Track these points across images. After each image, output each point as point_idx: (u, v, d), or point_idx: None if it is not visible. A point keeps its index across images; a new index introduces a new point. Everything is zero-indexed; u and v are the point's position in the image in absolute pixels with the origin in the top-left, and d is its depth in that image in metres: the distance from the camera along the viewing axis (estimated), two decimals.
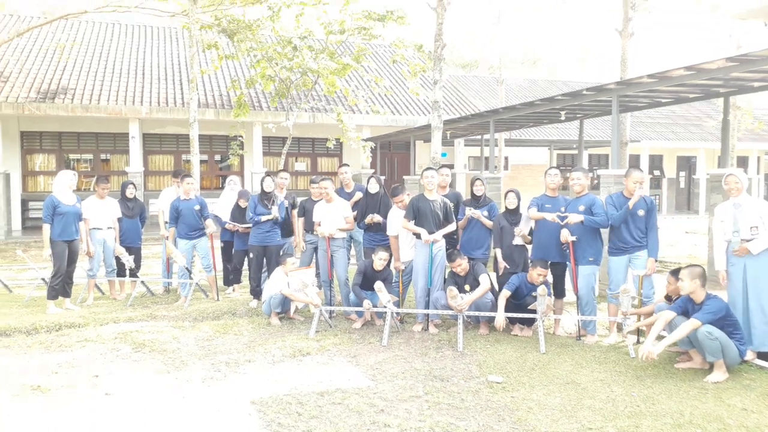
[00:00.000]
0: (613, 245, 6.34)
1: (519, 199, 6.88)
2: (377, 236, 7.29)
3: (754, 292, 5.41)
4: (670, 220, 21.83)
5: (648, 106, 10.89)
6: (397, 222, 6.92)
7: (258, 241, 7.77)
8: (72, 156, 19.20)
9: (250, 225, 7.84)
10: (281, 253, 7.80)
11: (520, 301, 6.39)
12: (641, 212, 6.18)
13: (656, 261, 6.24)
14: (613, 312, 6.34)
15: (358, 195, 7.83)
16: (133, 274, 8.44)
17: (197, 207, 8.12)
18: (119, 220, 8.46)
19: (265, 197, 7.81)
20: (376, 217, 7.19)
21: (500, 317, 6.21)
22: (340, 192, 7.87)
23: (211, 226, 8.23)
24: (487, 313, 6.41)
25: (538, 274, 6.27)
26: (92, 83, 17.55)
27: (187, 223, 8.08)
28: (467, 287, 6.50)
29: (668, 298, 5.88)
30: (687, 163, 28.22)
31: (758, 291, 5.39)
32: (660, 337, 5.38)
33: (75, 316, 7.08)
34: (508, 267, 6.75)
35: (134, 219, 8.60)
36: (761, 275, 5.40)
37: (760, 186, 27.19)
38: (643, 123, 26.85)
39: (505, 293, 6.32)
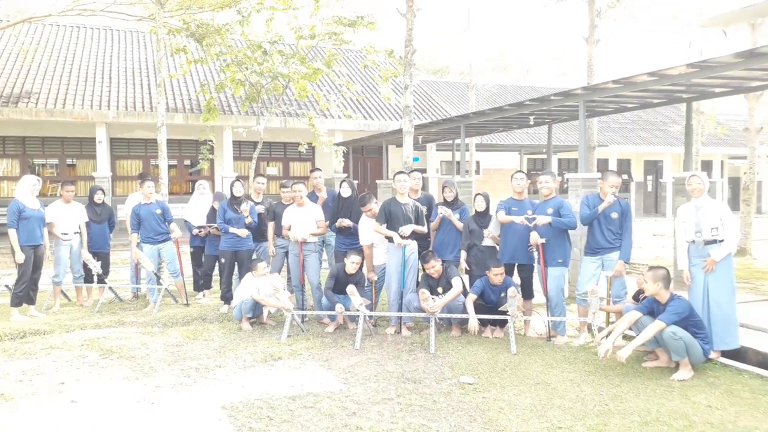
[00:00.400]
0: (588, 247, 6.46)
1: (488, 201, 6.96)
2: (348, 239, 7.28)
3: (714, 292, 5.56)
4: (638, 223, 22.23)
5: (614, 111, 11.11)
6: (368, 231, 6.92)
7: (229, 246, 7.69)
8: (37, 161, 18.80)
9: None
10: (253, 258, 7.74)
11: (490, 304, 6.45)
12: (615, 215, 6.30)
13: (626, 263, 6.36)
14: (582, 313, 6.44)
15: (321, 198, 7.83)
16: (101, 280, 8.27)
17: (158, 211, 8.01)
18: (87, 225, 8.30)
19: (235, 202, 7.74)
20: (345, 222, 7.17)
21: (473, 321, 6.26)
22: (311, 196, 7.84)
23: (176, 230, 8.13)
24: (459, 315, 6.46)
25: (494, 274, 6.36)
26: (57, 87, 17.21)
27: (150, 227, 7.97)
28: (440, 290, 6.54)
29: (635, 298, 5.99)
30: (654, 167, 28.87)
31: (717, 291, 5.55)
32: (628, 338, 5.49)
33: (40, 323, 6.92)
34: (468, 269, 6.84)
35: (102, 224, 8.43)
36: (720, 276, 5.56)
37: (724, 189, 27.95)
38: (610, 128, 27.39)
39: (471, 297, 6.39)
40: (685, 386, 4.94)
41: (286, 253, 7.63)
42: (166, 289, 8.00)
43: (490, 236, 6.75)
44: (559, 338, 6.41)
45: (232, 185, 7.83)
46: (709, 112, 18.55)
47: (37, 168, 18.65)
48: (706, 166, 28.24)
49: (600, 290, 6.05)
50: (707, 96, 9.19)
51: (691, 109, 9.79)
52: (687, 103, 9.56)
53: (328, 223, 7.38)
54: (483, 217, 6.89)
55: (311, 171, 8.26)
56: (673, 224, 6.31)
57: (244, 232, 7.66)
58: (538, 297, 7.16)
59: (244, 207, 7.62)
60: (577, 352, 5.99)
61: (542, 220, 6.32)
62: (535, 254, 6.67)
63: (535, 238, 6.39)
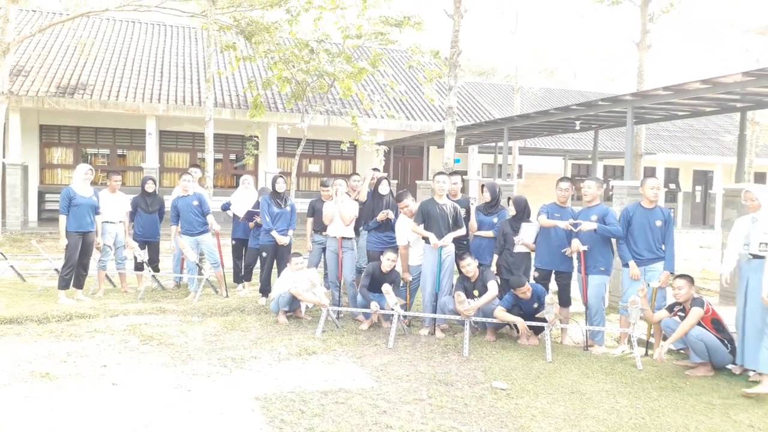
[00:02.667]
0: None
1: (519, 206, 6.81)
2: (384, 237, 7.29)
3: (751, 308, 5.38)
4: (685, 235, 21.62)
5: (664, 118, 10.83)
6: (404, 231, 6.92)
7: (271, 240, 7.81)
8: (89, 150, 19.43)
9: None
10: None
11: (527, 313, 6.35)
12: (659, 222, 6.15)
13: (672, 274, 6.20)
14: (623, 323, 6.30)
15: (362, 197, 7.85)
16: (140, 267, 8.51)
17: (195, 203, 8.17)
18: (134, 213, 8.55)
19: (278, 197, 7.85)
20: (390, 213, 7.18)
21: (520, 323, 6.19)
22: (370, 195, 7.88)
23: (214, 223, 8.28)
24: (494, 320, 6.40)
25: (522, 293, 6.25)
26: (111, 80, 17.76)
27: (187, 219, 8.12)
28: (476, 293, 6.50)
29: (669, 310, 5.85)
30: (703, 178, 27.98)
31: (754, 307, 5.36)
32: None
33: (86, 307, 7.16)
34: (499, 274, 6.78)
35: (153, 214, 8.66)
36: (759, 294, 5.35)
37: None
38: (659, 136, 26.68)
39: (500, 309, 6.30)
40: (726, 404, 4.79)
41: (323, 249, 7.71)
42: (207, 279, 8.18)
43: (521, 243, 6.65)
44: (596, 348, 6.29)
45: (274, 181, 7.94)
46: (764, 122, 17.91)
47: (89, 157, 19.28)
48: (760, 178, 27.22)
49: (640, 301, 5.92)
50: (763, 106, 8.87)
51: (746, 119, 9.47)
52: (741, 113, 9.25)
53: (363, 222, 7.43)
54: (518, 222, 6.80)
55: (372, 169, 8.30)
56: (722, 238, 6.11)
57: (284, 240, 7.76)
58: (576, 305, 7.04)
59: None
60: (614, 362, 5.87)
61: (588, 226, 6.21)
62: (575, 261, 6.56)
63: (576, 245, 6.28)
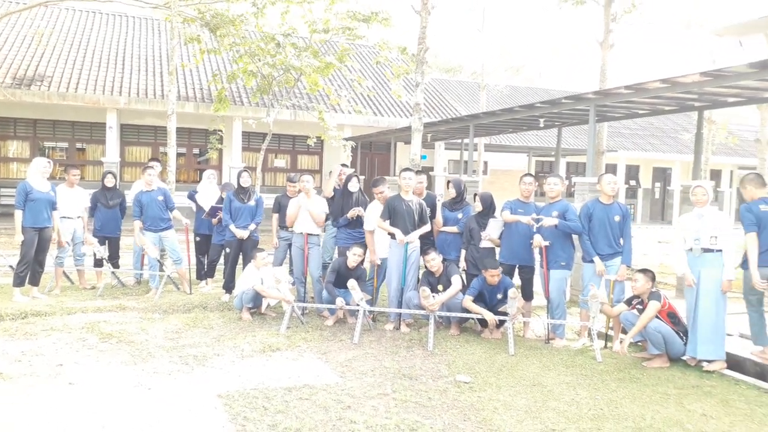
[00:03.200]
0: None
1: (485, 202, 6.89)
2: (355, 233, 7.27)
3: (704, 302, 5.56)
4: (644, 230, 22.17)
5: (625, 116, 11.06)
6: (374, 215, 6.90)
7: (234, 236, 7.71)
8: (47, 144, 18.90)
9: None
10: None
11: (489, 304, 6.43)
12: (617, 218, 6.29)
13: (629, 268, 6.36)
14: (584, 317, 6.43)
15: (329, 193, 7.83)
16: (100, 263, 8.32)
17: (160, 198, 8.02)
18: (94, 209, 8.36)
19: (242, 192, 7.76)
20: (360, 211, 7.16)
21: (488, 315, 6.25)
22: (337, 191, 7.82)
23: (181, 218, 8.15)
24: (459, 314, 6.46)
25: (491, 275, 6.35)
26: (70, 71, 17.30)
27: (151, 215, 7.96)
28: (440, 287, 6.54)
29: (628, 303, 6.00)
30: (662, 174, 28.71)
31: (707, 300, 5.55)
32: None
33: (42, 305, 6.97)
34: (466, 269, 6.84)
35: (113, 209, 8.47)
36: (711, 285, 5.55)
37: (732, 199, 27.77)
38: (620, 134, 27.26)
39: (468, 299, 6.38)
40: (681, 394, 4.93)
41: (289, 245, 7.65)
42: (168, 276, 8.05)
43: (487, 238, 6.73)
44: (557, 341, 6.40)
45: (239, 175, 7.85)
46: (720, 121, 18.46)
47: (47, 151, 18.75)
48: (716, 175, 28.07)
49: (601, 294, 6.05)
50: (719, 105, 9.13)
51: (703, 118, 9.73)
52: (699, 112, 9.51)
53: (332, 218, 7.41)
54: (484, 217, 6.87)
55: (341, 165, 8.28)
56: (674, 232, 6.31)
57: (243, 234, 7.65)
58: (538, 299, 7.15)
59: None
60: (574, 355, 5.98)
61: (549, 221, 6.31)
62: (537, 256, 6.66)
63: (539, 240, 6.38)
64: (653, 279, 5.88)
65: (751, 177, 5.80)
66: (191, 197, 8.73)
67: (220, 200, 8.25)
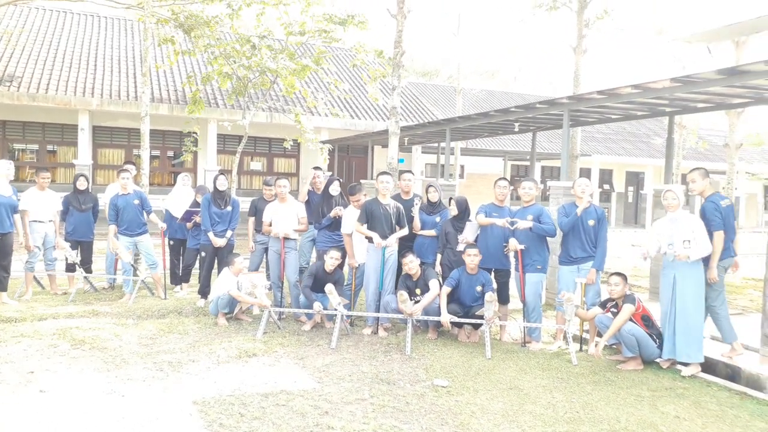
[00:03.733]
0: (564, 255, 6.52)
1: (461, 206, 6.92)
2: (334, 236, 7.25)
3: (681, 306, 5.65)
4: (618, 233, 22.49)
5: (598, 121, 11.22)
6: (352, 220, 6.90)
7: (209, 240, 7.63)
8: (17, 146, 18.48)
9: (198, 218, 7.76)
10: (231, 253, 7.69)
11: (466, 308, 6.46)
12: (591, 222, 6.36)
13: (601, 272, 6.44)
14: (560, 320, 6.49)
15: (303, 195, 7.80)
16: (72, 268, 8.17)
17: (136, 201, 7.90)
18: (66, 212, 8.20)
19: (219, 196, 7.68)
20: (341, 210, 7.14)
21: (444, 317, 6.28)
22: (312, 195, 7.80)
23: (158, 222, 8.05)
24: (436, 318, 6.47)
25: (468, 255, 6.39)
26: (40, 72, 16.95)
27: (127, 219, 7.84)
28: (418, 291, 6.55)
29: (603, 306, 6.08)
30: (635, 179, 29.18)
31: (684, 302, 5.64)
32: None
33: (11, 311, 6.81)
34: (441, 273, 6.86)
35: (86, 212, 8.31)
36: (688, 288, 5.63)
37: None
38: (594, 138, 27.65)
39: (446, 290, 6.42)
40: (654, 396, 5.01)
41: (266, 249, 7.60)
42: (142, 281, 7.92)
43: (464, 242, 6.77)
44: (534, 344, 6.46)
45: (215, 179, 7.76)
46: (691, 126, 18.81)
47: (16, 153, 18.33)
48: (686, 179, 28.59)
49: (575, 298, 6.12)
50: (689, 111, 9.32)
51: (674, 123, 9.92)
52: (669, 117, 9.69)
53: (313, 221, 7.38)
54: (460, 221, 6.91)
55: (313, 168, 8.19)
56: (647, 236, 6.40)
57: (221, 242, 7.57)
58: (514, 302, 7.21)
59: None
60: (551, 358, 6.04)
61: (524, 224, 6.37)
62: (512, 260, 6.71)
63: (514, 244, 6.43)
64: (626, 281, 5.98)
65: (702, 171, 6.01)
66: (187, 219, 8.57)
67: (195, 204, 8.16)
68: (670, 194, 5.81)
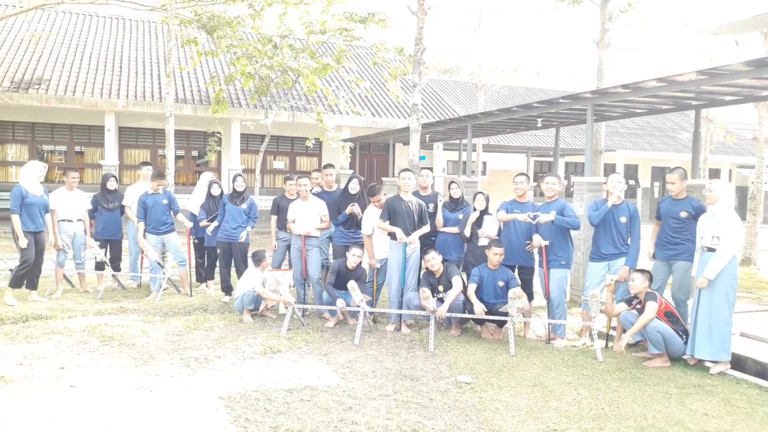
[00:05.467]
0: (594, 251, 6.43)
1: (487, 201, 6.94)
2: (350, 233, 7.29)
3: (706, 302, 5.54)
4: (644, 230, 22.18)
5: (622, 116, 11.07)
6: (372, 220, 6.93)
7: (225, 237, 7.74)
8: (45, 147, 18.88)
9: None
10: (255, 251, 7.76)
11: (489, 304, 6.43)
12: (623, 219, 6.28)
13: (633, 270, 6.32)
14: (585, 317, 6.43)
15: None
16: (101, 267, 8.32)
17: (165, 201, 8.03)
18: (95, 211, 8.36)
19: (237, 196, 7.78)
20: (356, 208, 7.18)
21: (477, 307, 6.26)
22: (322, 194, 7.84)
23: (185, 221, 8.17)
24: (460, 315, 6.46)
25: (494, 254, 6.38)
26: (68, 74, 17.29)
27: (155, 218, 7.96)
28: (440, 288, 6.55)
29: (628, 303, 6.00)
30: (661, 174, 28.73)
31: (709, 302, 5.52)
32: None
33: (43, 308, 6.96)
34: (465, 269, 6.84)
35: (114, 212, 8.47)
36: (714, 288, 5.51)
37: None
38: (619, 133, 27.31)
39: (472, 287, 6.41)
40: (682, 393, 4.94)
41: (288, 247, 7.66)
42: (168, 278, 8.04)
43: (485, 236, 6.74)
44: (558, 341, 6.41)
45: (234, 180, 7.86)
46: (718, 120, 18.47)
47: (45, 154, 18.73)
48: (714, 174, 28.10)
49: (601, 295, 6.05)
50: (717, 104, 9.15)
51: (700, 117, 9.75)
52: (696, 111, 9.52)
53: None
54: (481, 217, 6.89)
55: (324, 167, 8.22)
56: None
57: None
58: (538, 299, 7.16)
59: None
60: (575, 355, 5.99)
61: (545, 217, 6.32)
62: (536, 256, 6.67)
63: (538, 240, 6.38)
64: (650, 279, 5.90)
65: (683, 172, 6.11)
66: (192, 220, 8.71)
67: (209, 196, 8.29)
68: (710, 186, 5.69)
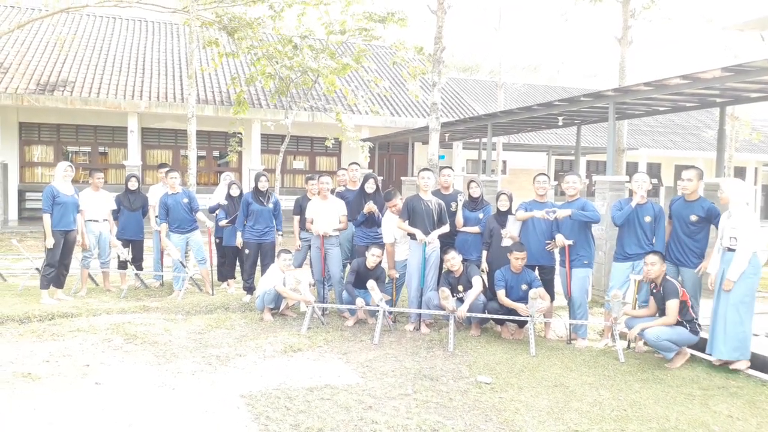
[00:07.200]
0: (619, 251, 6.35)
1: (511, 201, 6.90)
2: (371, 233, 7.31)
3: (724, 301, 5.46)
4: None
5: (645, 114, 10.94)
6: (391, 228, 6.94)
7: (254, 238, 7.79)
8: (70, 148, 19.20)
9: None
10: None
11: (513, 297, 6.39)
12: (648, 218, 6.19)
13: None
14: (607, 317, 6.36)
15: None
16: (124, 266, 8.45)
17: (185, 200, 8.14)
18: (118, 212, 8.49)
19: (260, 195, 7.83)
20: (373, 206, 7.19)
21: (522, 309, 6.21)
22: (345, 192, 7.89)
23: (206, 220, 8.27)
24: (480, 315, 6.44)
25: (515, 258, 6.33)
26: (92, 76, 17.56)
27: (177, 217, 8.08)
28: (460, 287, 6.53)
29: (651, 293, 5.92)
30: None
31: (727, 301, 5.44)
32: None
33: (68, 307, 7.09)
34: (488, 270, 6.80)
35: (136, 212, 8.61)
36: (732, 288, 5.43)
37: (758, 197, 27.31)
38: (641, 131, 26.95)
39: (501, 293, 6.36)
40: (706, 395, 4.87)
41: (310, 247, 7.70)
42: (191, 277, 8.14)
43: (508, 236, 6.70)
44: (579, 341, 6.35)
45: (257, 179, 7.91)
46: (744, 117, 18.15)
47: (70, 155, 19.04)
48: (740, 172, 27.60)
49: (622, 295, 5.98)
50: (742, 101, 9.00)
51: (725, 114, 9.60)
52: (721, 108, 9.38)
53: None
54: (505, 217, 6.85)
55: (350, 164, 8.26)
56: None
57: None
58: (559, 299, 7.10)
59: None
60: (597, 356, 5.93)
61: (562, 213, 6.27)
62: (557, 256, 6.61)
63: (561, 239, 6.33)
64: (663, 260, 5.79)
65: (701, 172, 5.99)
66: (212, 212, 8.80)
67: (228, 197, 8.40)
68: (720, 188, 5.62)
